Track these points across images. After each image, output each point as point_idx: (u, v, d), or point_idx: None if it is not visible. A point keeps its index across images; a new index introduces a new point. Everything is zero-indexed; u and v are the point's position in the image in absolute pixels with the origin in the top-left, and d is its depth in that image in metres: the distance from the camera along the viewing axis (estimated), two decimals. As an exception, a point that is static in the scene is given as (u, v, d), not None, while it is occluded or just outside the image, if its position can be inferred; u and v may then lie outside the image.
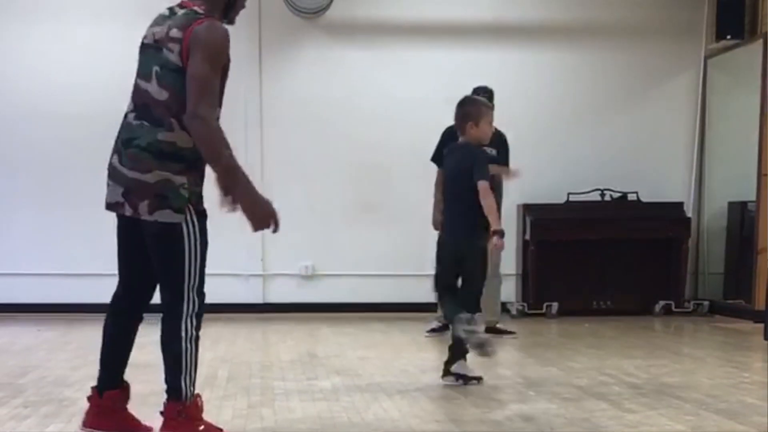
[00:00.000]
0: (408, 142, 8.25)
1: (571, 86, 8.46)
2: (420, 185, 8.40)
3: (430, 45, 8.35)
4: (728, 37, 8.18)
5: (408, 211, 8.37)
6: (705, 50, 8.54)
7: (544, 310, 7.99)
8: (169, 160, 3.10)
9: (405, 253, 8.05)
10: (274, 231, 3.15)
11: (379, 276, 8.18)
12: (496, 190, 5.40)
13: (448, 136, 6.41)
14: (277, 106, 8.26)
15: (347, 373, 4.99)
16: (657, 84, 8.64)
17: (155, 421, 3.27)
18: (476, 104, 4.74)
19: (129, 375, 4.31)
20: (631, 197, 8.20)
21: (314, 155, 8.30)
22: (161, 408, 3.21)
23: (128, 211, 3.14)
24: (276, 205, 3.13)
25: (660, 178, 8.48)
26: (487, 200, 4.52)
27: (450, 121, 5.00)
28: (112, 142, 3.25)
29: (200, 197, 3.21)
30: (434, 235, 5.13)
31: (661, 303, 8.16)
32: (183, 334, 3.13)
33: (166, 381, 3.19)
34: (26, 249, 8.02)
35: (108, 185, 3.22)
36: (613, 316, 7.91)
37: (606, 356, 5.67)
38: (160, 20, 3.22)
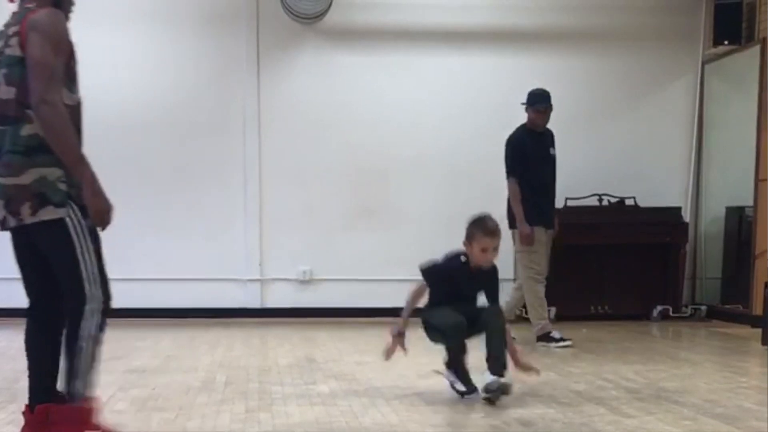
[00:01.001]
0: (406, 147, 8.27)
1: (569, 92, 8.45)
2: (417, 190, 8.46)
3: (427, 50, 8.36)
4: (726, 42, 8.20)
5: (406, 215, 8.39)
6: (702, 56, 8.55)
7: (541, 315, 7.98)
8: (38, 154, 3.00)
9: (403, 258, 8.00)
10: (103, 229, 3.06)
11: (376, 281, 8.17)
12: None
13: (519, 141, 6.48)
14: (275, 111, 8.26)
15: (345, 378, 4.98)
16: (654, 89, 8.64)
17: (153, 424, 3.26)
18: (471, 226, 4.51)
19: (127, 379, 4.28)
20: (629, 202, 8.21)
21: (312, 160, 8.30)
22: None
23: (12, 222, 3.07)
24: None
25: (658, 183, 8.48)
26: None
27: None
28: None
29: (80, 190, 3.06)
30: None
31: (659, 308, 8.16)
32: (82, 333, 3.05)
33: (65, 382, 3.09)
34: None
35: None
36: (611, 320, 7.91)
37: (604, 361, 5.67)
38: (1, 36, 3.15)
